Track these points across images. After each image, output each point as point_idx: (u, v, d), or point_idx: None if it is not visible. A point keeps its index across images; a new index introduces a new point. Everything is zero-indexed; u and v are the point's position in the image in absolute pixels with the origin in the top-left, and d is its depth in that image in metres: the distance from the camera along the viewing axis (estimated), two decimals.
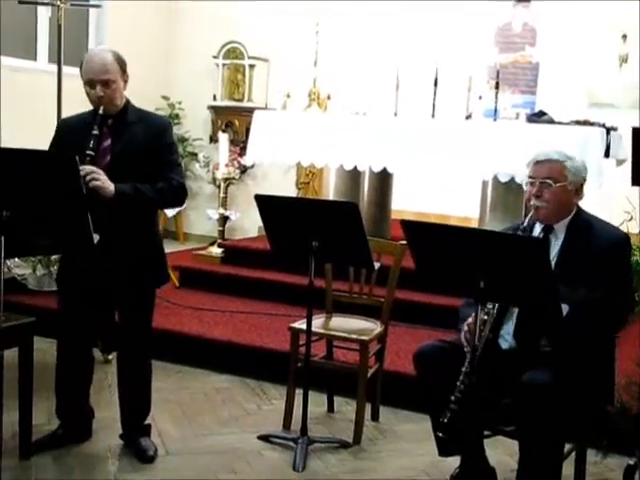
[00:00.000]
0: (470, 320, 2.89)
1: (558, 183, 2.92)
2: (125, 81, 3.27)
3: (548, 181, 2.92)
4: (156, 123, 3.34)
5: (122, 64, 3.25)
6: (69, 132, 3.29)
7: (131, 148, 3.21)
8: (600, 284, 2.80)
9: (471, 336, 2.84)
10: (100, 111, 3.17)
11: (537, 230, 3.03)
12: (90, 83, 3.19)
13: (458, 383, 2.80)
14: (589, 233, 2.92)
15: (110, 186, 3.06)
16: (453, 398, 2.79)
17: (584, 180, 3.01)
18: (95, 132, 3.13)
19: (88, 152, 3.07)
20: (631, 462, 3.29)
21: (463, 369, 2.81)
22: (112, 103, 3.21)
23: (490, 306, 2.84)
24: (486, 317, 2.82)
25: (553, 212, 2.95)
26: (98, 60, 3.19)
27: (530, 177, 2.99)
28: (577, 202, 3.00)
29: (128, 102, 3.32)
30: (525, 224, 3.00)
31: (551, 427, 2.71)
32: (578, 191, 2.98)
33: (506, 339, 3.00)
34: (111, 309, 3.48)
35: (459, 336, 2.97)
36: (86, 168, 2.99)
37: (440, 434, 2.90)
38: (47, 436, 3.44)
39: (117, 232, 3.19)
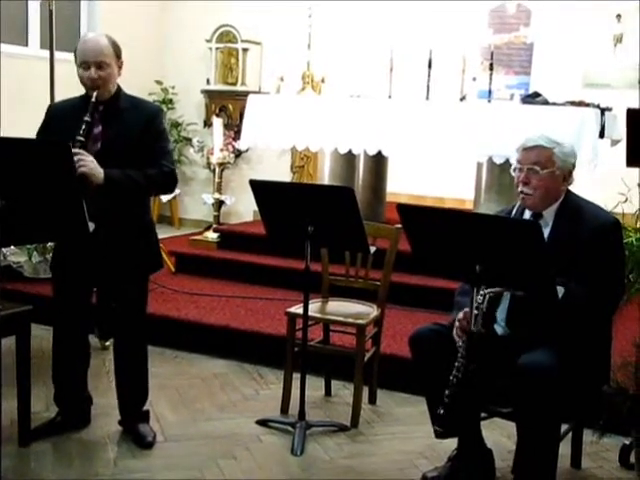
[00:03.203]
0: (461, 316, 2.89)
1: (545, 169, 2.89)
2: (119, 67, 3.25)
3: (535, 167, 2.90)
4: (148, 110, 3.32)
5: (117, 49, 3.23)
6: (59, 117, 3.27)
7: (122, 135, 3.19)
8: (590, 268, 2.80)
9: (463, 333, 2.84)
10: (93, 98, 3.14)
11: (526, 217, 3.01)
12: (84, 65, 3.16)
13: (451, 377, 2.80)
14: (578, 218, 2.90)
15: (100, 173, 3.05)
16: (447, 392, 2.80)
17: (573, 166, 2.97)
18: (87, 118, 3.10)
19: (78, 138, 3.05)
20: (627, 442, 3.32)
21: (456, 364, 2.81)
22: (105, 87, 3.19)
23: (480, 300, 2.83)
24: (477, 311, 2.80)
25: (540, 199, 2.93)
26: (93, 43, 3.17)
27: (518, 163, 2.97)
28: (566, 188, 2.97)
29: (120, 89, 3.30)
30: (514, 212, 2.99)
31: (549, 408, 2.72)
32: (566, 177, 2.95)
33: (500, 325, 3.01)
34: (107, 296, 3.47)
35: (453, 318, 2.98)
36: (75, 153, 2.95)
37: (437, 427, 2.91)
38: (46, 423, 3.45)
39: (111, 220, 3.19)
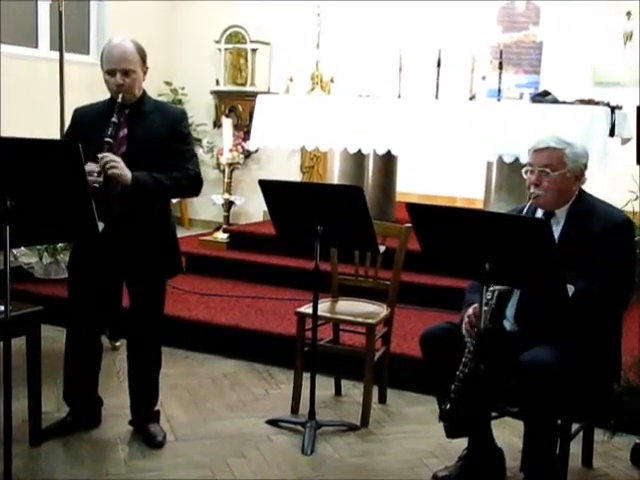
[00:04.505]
0: (470, 311, 2.89)
1: (556, 171, 2.90)
2: (144, 72, 3.29)
3: (546, 169, 2.90)
4: (172, 113, 3.37)
5: (143, 55, 3.27)
6: (84, 121, 3.31)
7: (147, 138, 3.23)
8: (600, 267, 2.79)
9: (472, 328, 2.84)
10: (119, 100, 3.18)
11: (539, 216, 3.01)
12: (110, 72, 3.21)
13: (458, 372, 2.80)
14: (590, 217, 2.90)
15: (128, 174, 3.10)
16: (453, 387, 2.80)
17: (585, 166, 2.97)
18: (114, 119, 3.15)
19: (107, 139, 3.11)
20: (638, 441, 3.31)
21: (463, 359, 2.81)
22: (130, 92, 3.23)
23: (489, 296, 2.83)
24: (486, 308, 2.80)
25: (552, 200, 2.94)
26: (119, 50, 3.21)
27: (529, 165, 2.98)
28: (578, 188, 2.97)
29: (145, 93, 3.34)
30: (525, 211, 2.99)
31: (552, 405, 2.72)
32: (578, 177, 2.95)
33: (509, 321, 3.01)
34: (119, 296, 3.48)
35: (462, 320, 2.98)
36: (105, 156, 3.05)
37: (442, 422, 2.91)
38: (57, 423, 3.46)
39: (132, 220, 3.22)
